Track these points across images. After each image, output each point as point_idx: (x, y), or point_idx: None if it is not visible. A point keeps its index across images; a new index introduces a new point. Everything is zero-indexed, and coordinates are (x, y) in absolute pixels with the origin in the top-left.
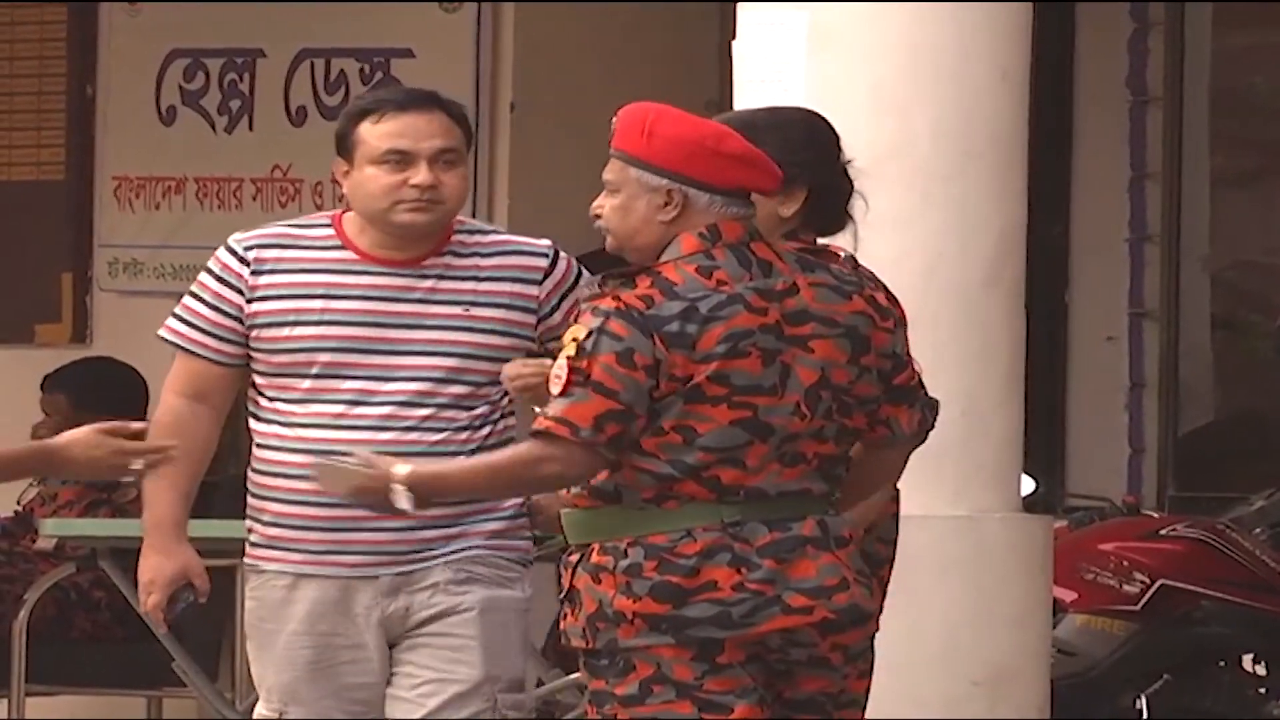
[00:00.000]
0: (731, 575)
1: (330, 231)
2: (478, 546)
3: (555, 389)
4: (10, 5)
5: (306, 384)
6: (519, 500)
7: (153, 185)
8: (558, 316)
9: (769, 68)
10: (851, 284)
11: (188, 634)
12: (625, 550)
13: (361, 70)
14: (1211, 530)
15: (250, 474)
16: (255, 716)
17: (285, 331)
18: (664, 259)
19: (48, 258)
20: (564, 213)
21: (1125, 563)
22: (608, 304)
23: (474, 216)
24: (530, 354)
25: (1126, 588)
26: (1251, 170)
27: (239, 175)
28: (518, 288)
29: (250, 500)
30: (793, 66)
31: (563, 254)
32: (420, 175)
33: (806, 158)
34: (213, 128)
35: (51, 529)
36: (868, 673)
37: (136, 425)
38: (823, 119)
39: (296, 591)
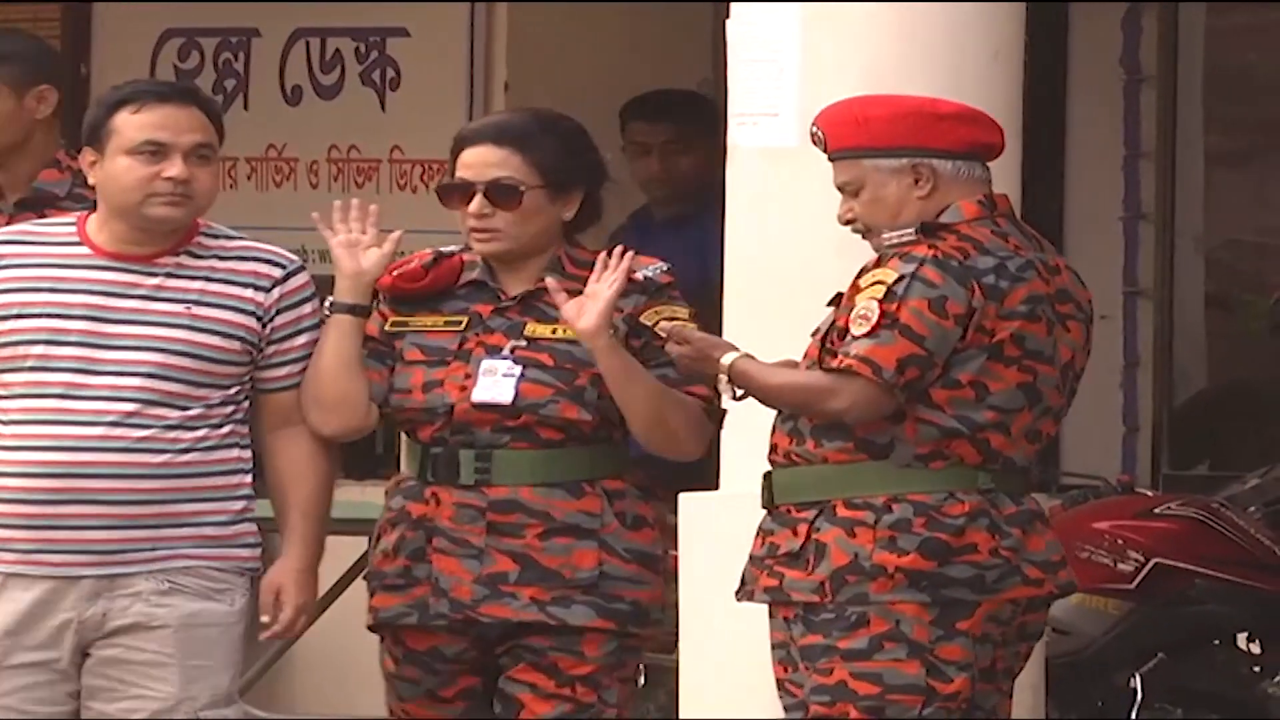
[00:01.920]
0: (989, 540)
1: (72, 229)
2: (186, 555)
3: (860, 329)
4: None
5: (22, 378)
6: (243, 505)
7: None
8: (280, 320)
9: (763, 47)
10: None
11: None
12: (888, 506)
13: (357, 49)
14: (1207, 509)
15: None
16: None
17: (11, 324)
18: (945, 221)
19: None
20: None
21: (1119, 541)
22: (922, 251)
23: None
24: (253, 358)
25: (1121, 566)
26: (1246, 149)
27: (234, 154)
28: (247, 292)
29: None
30: (787, 46)
31: (305, 271)
32: (175, 168)
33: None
34: None
35: None
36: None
37: None
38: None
39: (4, 592)
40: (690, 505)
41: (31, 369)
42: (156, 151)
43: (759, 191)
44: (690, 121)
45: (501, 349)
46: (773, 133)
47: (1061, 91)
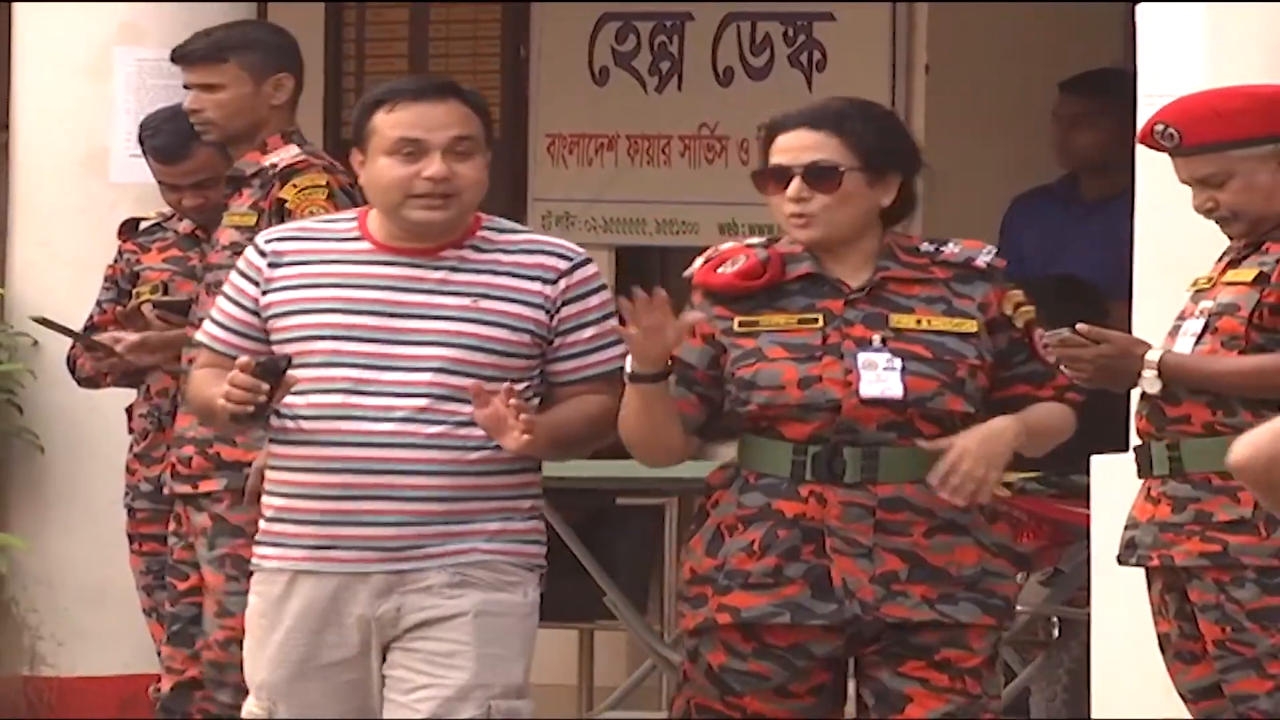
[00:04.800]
0: None
1: (353, 225)
2: (479, 550)
3: None
4: None
5: (309, 374)
6: (531, 503)
7: (585, 142)
8: (565, 312)
9: (1171, 28)
10: None
11: (619, 570)
12: None
13: (785, 33)
14: None
15: (266, 471)
16: (244, 714)
17: (295, 320)
18: None
19: (484, 211)
20: (979, 170)
21: None
22: None
23: None
24: (543, 351)
25: None
26: None
27: (668, 133)
28: (534, 285)
29: (263, 498)
30: (1194, 27)
31: (592, 263)
32: (433, 167)
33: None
34: (643, 87)
35: None
36: None
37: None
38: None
39: (293, 588)
40: (1102, 467)
41: (319, 364)
42: (413, 151)
43: (1168, 172)
44: (1122, 96)
45: (870, 341)
46: None
47: None
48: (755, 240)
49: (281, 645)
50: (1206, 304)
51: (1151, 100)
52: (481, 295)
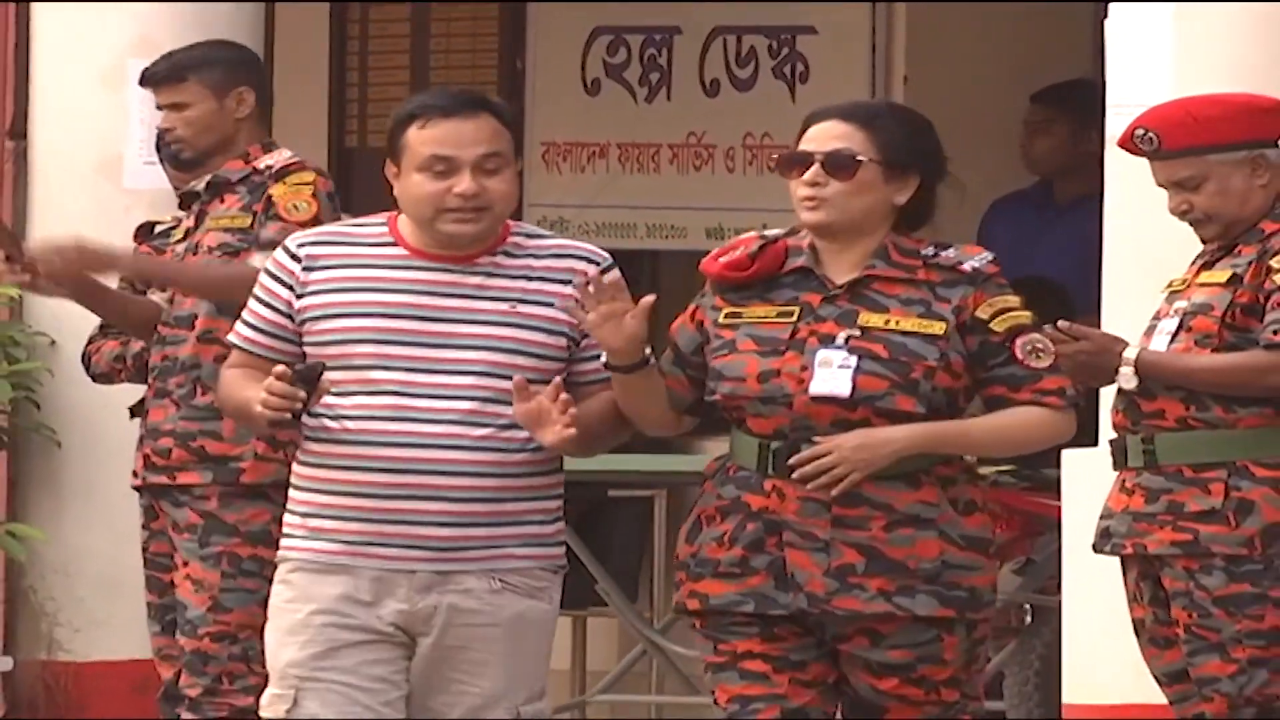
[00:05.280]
0: None
1: (383, 229)
2: (515, 555)
3: None
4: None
5: (352, 375)
6: (558, 503)
7: (579, 150)
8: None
9: (1138, 43)
10: None
11: (611, 559)
12: None
13: (769, 45)
14: None
15: (295, 466)
16: (265, 700)
17: (334, 324)
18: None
19: None
20: (956, 171)
21: None
22: None
23: None
24: (571, 353)
25: None
26: None
27: (657, 142)
28: (566, 289)
29: (291, 493)
30: (1160, 42)
31: (616, 268)
32: (464, 184)
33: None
34: (634, 98)
35: None
36: None
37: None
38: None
39: (330, 577)
40: (1072, 460)
41: (363, 367)
42: (444, 169)
43: (1135, 177)
44: (1077, 105)
45: (835, 338)
46: None
47: None
48: (772, 231)
49: (312, 627)
50: (1181, 304)
51: (1120, 110)
52: (519, 300)
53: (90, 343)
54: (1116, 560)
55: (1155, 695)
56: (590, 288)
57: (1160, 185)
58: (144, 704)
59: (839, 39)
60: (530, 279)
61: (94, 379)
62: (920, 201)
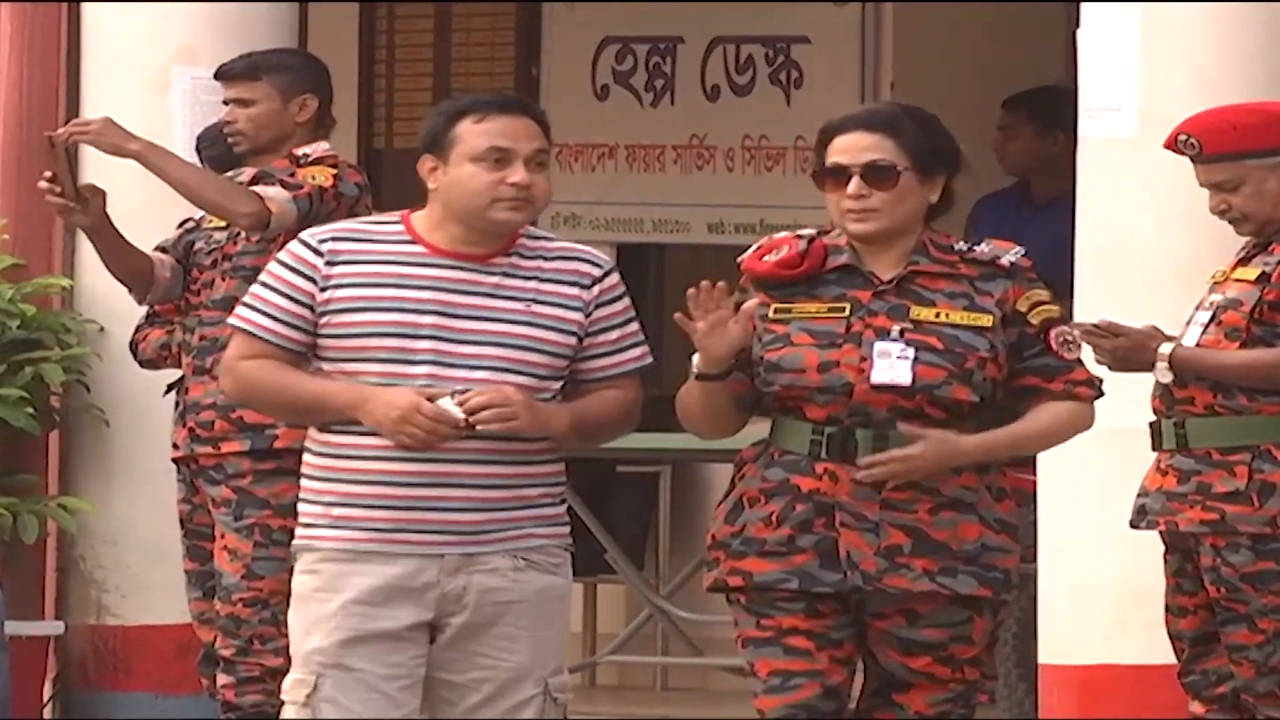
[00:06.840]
0: None
1: (400, 228)
2: (534, 535)
3: None
4: (467, 4)
5: (375, 368)
6: (563, 486)
7: (589, 151)
8: (597, 314)
9: (1107, 50)
10: None
11: (619, 530)
12: None
13: (766, 54)
14: None
15: (309, 457)
16: (287, 684)
17: (358, 317)
18: None
19: None
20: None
21: None
22: None
23: None
24: (575, 351)
25: None
26: None
27: (662, 143)
28: (574, 290)
29: (306, 483)
30: (1128, 49)
31: (616, 272)
32: (518, 174)
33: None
34: (640, 103)
35: None
36: None
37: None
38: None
39: (358, 565)
40: None
41: (387, 360)
42: (500, 159)
43: (1105, 177)
44: (1042, 110)
45: (889, 331)
46: (1116, 125)
47: None
48: (806, 231)
49: (340, 614)
50: (1215, 297)
51: (1090, 114)
52: (534, 300)
53: (137, 331)
54: (1088, 531)
55: (1124, 656)
56: (700, 297)
57: (1202, 186)
58: (185, 665)
59: (831, 48)
60: (542, 280)
61: (140, 365)
62: (944, 195)
